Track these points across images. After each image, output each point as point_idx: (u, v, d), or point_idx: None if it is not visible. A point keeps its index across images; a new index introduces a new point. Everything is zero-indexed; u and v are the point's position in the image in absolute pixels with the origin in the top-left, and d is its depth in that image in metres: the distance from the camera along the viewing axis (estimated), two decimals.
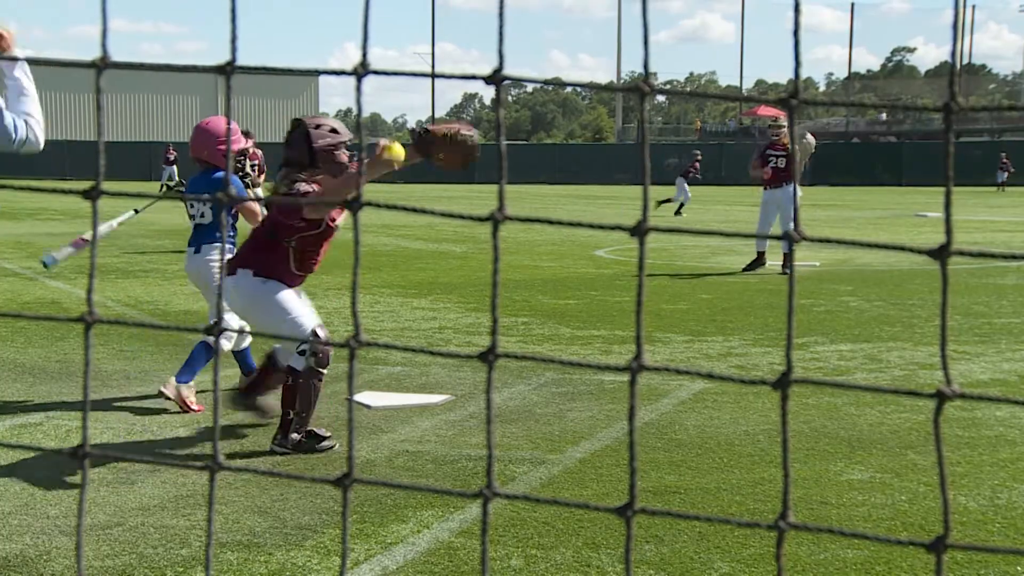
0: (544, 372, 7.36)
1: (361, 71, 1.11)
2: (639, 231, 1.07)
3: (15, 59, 4.40)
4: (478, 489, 1.10)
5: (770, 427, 5.99)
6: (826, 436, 5.83)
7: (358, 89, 1.14)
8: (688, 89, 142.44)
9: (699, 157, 30.56)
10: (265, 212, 6.21)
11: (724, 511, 4.69)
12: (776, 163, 14.03)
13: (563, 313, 10.33)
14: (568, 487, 5.01)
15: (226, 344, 6.60)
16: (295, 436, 5.58)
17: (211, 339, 6.40)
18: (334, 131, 5.71)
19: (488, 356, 1.10)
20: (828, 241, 1.08)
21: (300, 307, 5.76)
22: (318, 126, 5.67)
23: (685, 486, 5.01)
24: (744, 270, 14.08)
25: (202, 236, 6.65)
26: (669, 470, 5.25)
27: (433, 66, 64.95)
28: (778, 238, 1.05)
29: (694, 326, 9.57)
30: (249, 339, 6.97)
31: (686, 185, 28.91)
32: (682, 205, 29.00)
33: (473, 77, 1.11)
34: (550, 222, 1.11)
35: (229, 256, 6.46)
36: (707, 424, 6.08)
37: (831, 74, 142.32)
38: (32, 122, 4.93)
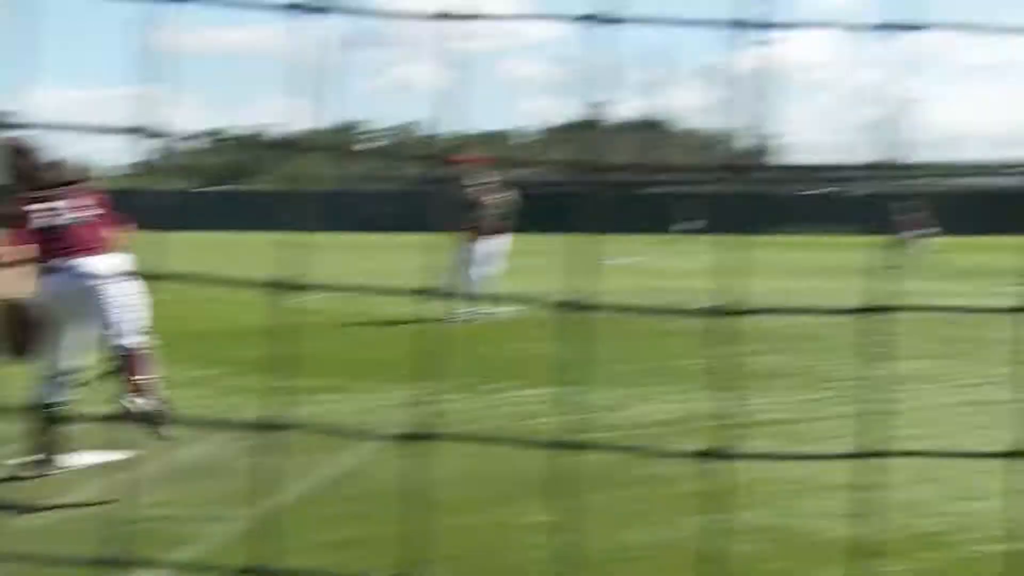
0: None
1: None
2: (280, 287, 1.08)
3: None
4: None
5: (465, 473, 6.08)
6: (508, 480, 5.98)
7: None
8: (403, 138, 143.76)
9: None
10: None
11: (414, 560, 4.72)
12: (473, 217, 14.48)
13: (260, 363, 10.11)
14: (255, 543, 4.91)
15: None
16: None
17: None
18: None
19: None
20: (513, 297, 1.13)
21: None
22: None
23: (377, 536, 5.02)
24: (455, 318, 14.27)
25: None
26: (361, 521, 5.25)
27: None
28: (430, 292, 1.09)
29: (387, 373, 9.63)
30: None
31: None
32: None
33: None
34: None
35: None
36: (400, 472, 6.10)
37: (540, 124, 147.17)
38: None
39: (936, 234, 29.45)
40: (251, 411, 7.24)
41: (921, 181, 74.26)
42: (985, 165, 75.15)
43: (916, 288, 19.96)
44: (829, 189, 75.26)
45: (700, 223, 50.18)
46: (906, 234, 28.51)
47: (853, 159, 77.29)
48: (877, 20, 1.16)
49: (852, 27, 1.22)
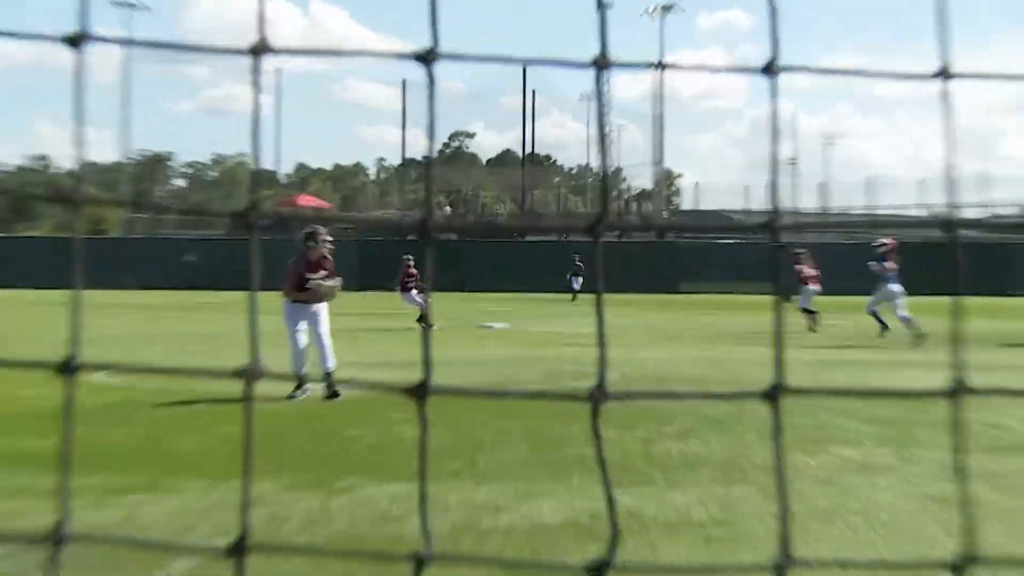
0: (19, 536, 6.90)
1: None
2: (68, 368, 0.99)
3: None
4: None
5: None
6: None
7: None
8: (217, 173, 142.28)
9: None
10: None
11: None
12: (309, 284, 14.72)
13: (44, 456, 9.67)
14: None
15: None
16: None
17: None
18: None
19: None
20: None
21: None
22: None
23: None
24: (288, 397, 14.00)
25: None
26: None
27: None
28: (236, 374, 1.00)
29: (214, 468, 9.34)
30: None
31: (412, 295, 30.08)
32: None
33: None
34: None
35: None
36: None
37: (383, 159, 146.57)
38: None
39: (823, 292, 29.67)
40: (39, 518, 7.01)
41: (829, 233, 76.59)
42: (900, 216, 77.56)
43: (830, 357, 20.31)
44: (733, 240, 76.91)
45: (578, 283, 50.48)
46: (803, 292, 29.02)
47: (756, 204, 79.28)
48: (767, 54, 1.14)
49: (735, 70, 1.21)
